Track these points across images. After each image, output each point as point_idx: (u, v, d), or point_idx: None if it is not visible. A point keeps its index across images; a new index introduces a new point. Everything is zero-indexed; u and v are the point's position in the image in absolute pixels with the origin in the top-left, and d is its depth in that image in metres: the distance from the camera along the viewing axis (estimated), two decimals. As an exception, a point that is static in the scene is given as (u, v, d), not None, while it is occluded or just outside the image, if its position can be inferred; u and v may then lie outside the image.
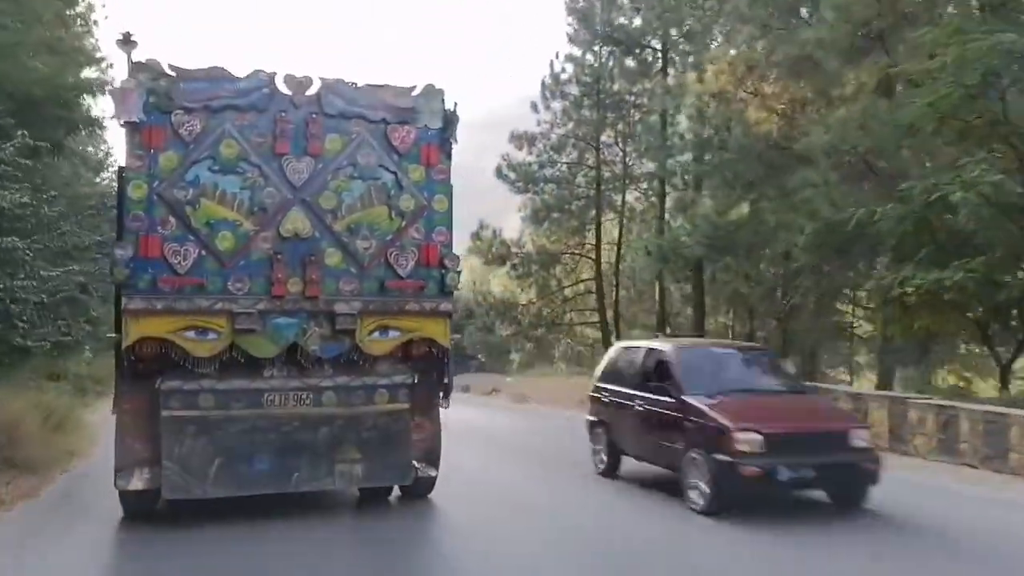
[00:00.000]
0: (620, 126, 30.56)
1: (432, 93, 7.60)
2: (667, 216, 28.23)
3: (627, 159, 31.01)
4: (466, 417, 16.88)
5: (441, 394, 7.80)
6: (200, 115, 6.87)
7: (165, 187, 6.76)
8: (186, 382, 6.81)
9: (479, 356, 33.14)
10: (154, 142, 6.76)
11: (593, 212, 31.11)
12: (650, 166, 29.27)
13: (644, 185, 31.17)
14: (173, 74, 6.88)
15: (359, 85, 7.41)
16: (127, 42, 6.79)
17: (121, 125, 6.76)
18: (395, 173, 7.39)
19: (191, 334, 6.74)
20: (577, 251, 32.69)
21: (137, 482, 6.79)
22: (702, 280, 26.20)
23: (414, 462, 7.51)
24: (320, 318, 7.09)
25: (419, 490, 7.77)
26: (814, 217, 16.10)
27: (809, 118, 18.86)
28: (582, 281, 33.05)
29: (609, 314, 30.95)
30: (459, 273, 7.69)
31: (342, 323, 7.10)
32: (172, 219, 6.76)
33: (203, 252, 6.81)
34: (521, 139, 31.09)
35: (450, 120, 7.57)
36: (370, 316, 7.23)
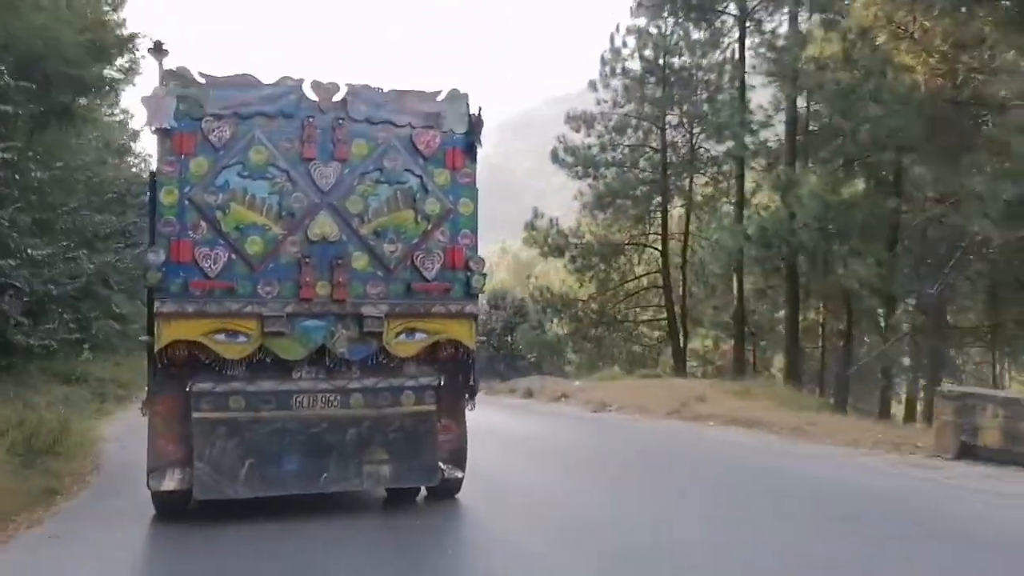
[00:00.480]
0: (686, 106, 28.03)
1: (457, 98, 7.67)
2: (751, 199, 25.65)
3: (694, 141, 28.54)
4: (542, 432, 14.78)
5: (467, 395, 7.88)
6: (229, 121, 6.99)
7: (196, 192, 6.88)
8: (217, 384, 6.94)
9: (529, 356, 31.40)
10: (185, 148, 6.89)
11: (658, 199, 28.85)
12: (720, 148, 26.88)
13: (714, 168, 28.81)
14: (203, 81, 7.00)
15: (385, 90, 7.51)
16: (159, 51, 6.91)
17: (153, 132, 6.90)
18: (421, 177, 7.47)
19: (222, 337, 6.87)
20: (640, 241, 30.18)
21: (169, 483, 6.92)
22: (796, 271, 23.43)
23: (440, 463, 7.60)
24: (348, 321, 7.19)
25: (446, 491, 7.84)
26: (1017, 179, 13.11)
27: (983, 60, 15.95)
28: (645, 275, 30.77)
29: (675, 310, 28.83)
30: (484, 276, 7.75)
31: (369, 326, 7.19)
32: (203, 224, 6.89)
33: (233, 256, 6.93)
34: (578, 120, 28.98)
35: (475, 124, 7.64)
36: (397, 318, 7.32)
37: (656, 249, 29.67)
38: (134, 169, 29.77)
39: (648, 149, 29.05)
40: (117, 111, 29.82)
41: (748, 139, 23.95)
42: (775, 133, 24.93)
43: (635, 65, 28.04)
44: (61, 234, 16.49)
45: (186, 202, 6.86)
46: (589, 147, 28.56)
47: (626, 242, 29.94)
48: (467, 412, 7.94)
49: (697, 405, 16.24)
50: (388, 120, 7.41)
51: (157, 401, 7.06)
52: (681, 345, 29.21)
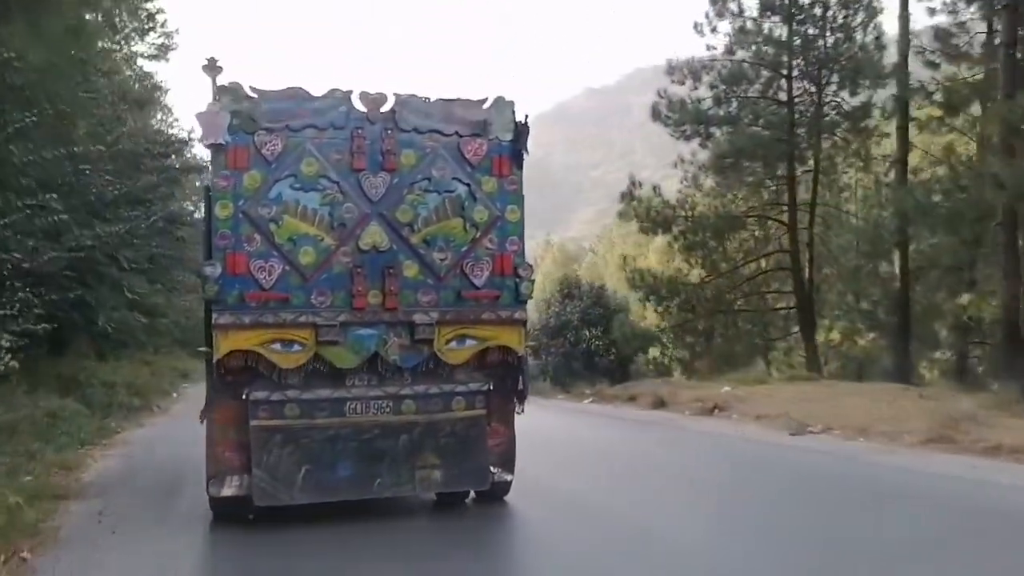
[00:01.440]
0: (817, 51, 23.20)
1: (503, 105, 7.73)
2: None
3: (823, 93, 23.50)
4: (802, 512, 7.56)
5: (516, 400, 7.95)
6: (281, 135, 7.12)
7: (250, 205, 7.02)
8: (272, 393, 7.08)
9: (608, 354, 27.60)
10: (238, 162, 7.03)
11: (787, 163, 23.93)
12: (859, 98, 22.66)
13: (849, 125, 23.67)
14: (255, 96, 7.13)
15: (432, 100, 7.59)
16: (212, 67, 7.05)
17: (207, 147, 7.06)
18: (468, 185, 7.54)
19: (277, 346, 7.01)
20: (764, 213, 25.74)
21: (228, 489, 7.08)
22: (1016, 241, 17.79)
23: (491, 467, 7.69)
24: (399, 328, 7.30)
25: (495, 494, 7.93)
26: None
27: None
28: (771, 253, 26.06)
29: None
30: (532, 282, 7.82)
31: (421, 333, 7.29)
32: (257, 236, 7.02)
33: (287, 267, 7.06)
34: (682, 70, 24.53)
35: (521, 132, 7.70)
36: (447, 326, 7.41)
37: (780, 223, 25.13)
38: (157, 126, 27.82)
39: (771, 102, 24.32)
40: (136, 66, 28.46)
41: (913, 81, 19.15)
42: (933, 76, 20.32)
43: (752, 0, 23.26)
44: (33, 190, 13.02)
45: (240, 215, 7.00)
46: (698, 101, 24.16)
47: (746, 213, 25.27)
48: (517, 416, 8.01)
49: (974, 428, 11.07)
50: (435, 129, 7.49)
51: (215, 409, 7.22)
52: (813, 338, 24.77)
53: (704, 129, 24.41)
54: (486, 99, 7.74)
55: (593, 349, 26.08)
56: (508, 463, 7.90)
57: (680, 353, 27.76)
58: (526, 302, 7.82)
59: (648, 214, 24.82)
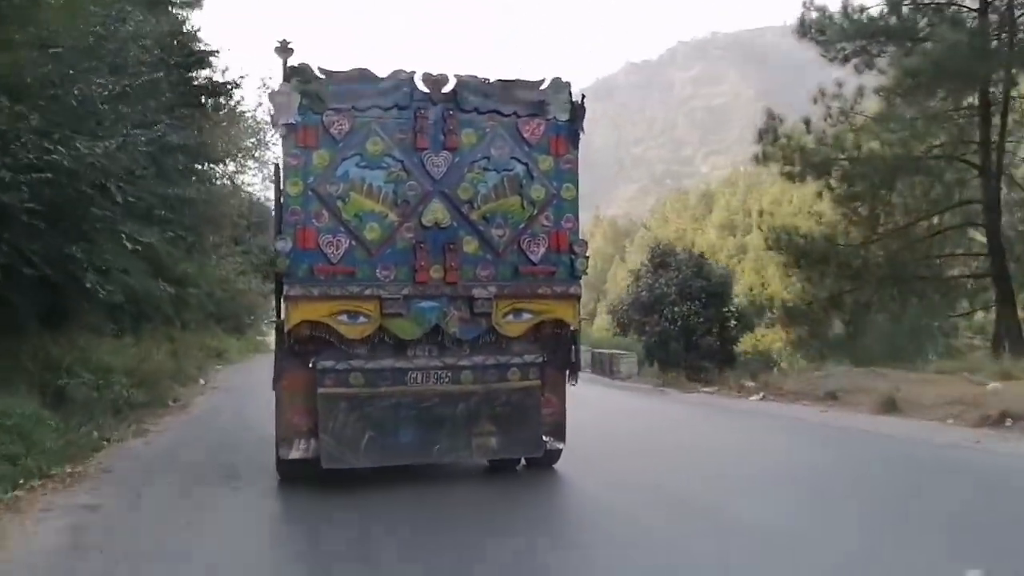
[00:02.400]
0: None
1: (560, 86, 7.96)
2: None
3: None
4: None
5: (568, 372, 8.23)
6: (348, 115, 7.42)
7: (318, 183, 7.35)
8: (338, 362, 7.44)
9: (710, 335, 24.29)
10: (308, 141, 7.35)
11: (976, 91, 18.42)
12: None
13: None
14: (323, 77, 7.44)
15: (491, 81, 7.84)
16: (284, 49, 7.35)
17: (278, 127, 7.39)
18: (526, 164, 7.80)
19: (344, 318, 7.36)
20: (950, 153, 19.57)
21: (296, 452, 7.47)
22: None
23: (544, 436, 7.99)
24: (459, 302, 7.61)
25: (547, 462, 8.24)
26: None
27: None
28: (952, 207, 20.07)
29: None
30: (587, 258, 8.09)
31: (479, 307, 7.59)
32: (325, 212, 7.35)
33: (353, 242, 7.39)
34: None
35: (577, 111, 7.93)
36: (505, 300, 7.71)
37: (972, 165, 19.18)
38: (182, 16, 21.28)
39: (959, 9, 18.25)
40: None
41: None
42: None
43: None
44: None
45: (310, 192, 7.33)
46: (862, 10, 18.45)
47: (926, 153, 19.28)
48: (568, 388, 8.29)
49: None
50: (495, 110, 7.75)
51: (284, 377, 7.61)
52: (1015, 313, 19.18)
53: (869, 47, 18.93)
54: (543, 80, 7.98)
55: (692, 327, 23.00)
56: (559, 432, 8.19)
57: (801, 332, 22.97)
58: (580, 277, 8.08)
59: (797, 156, 19.28)
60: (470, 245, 7.66)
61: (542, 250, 7.83)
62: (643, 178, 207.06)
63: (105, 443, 9.87)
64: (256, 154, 28.41)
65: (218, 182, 26.41)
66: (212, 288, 27.44)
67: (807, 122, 19.94)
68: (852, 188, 19.63)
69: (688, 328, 22.66)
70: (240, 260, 33.11)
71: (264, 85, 25.52)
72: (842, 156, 19.26)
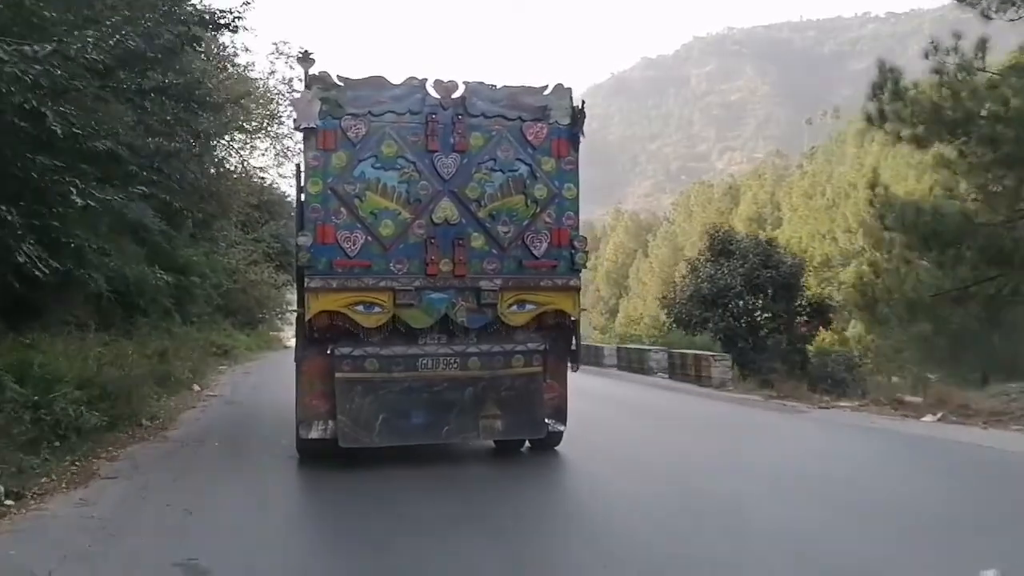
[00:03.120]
0: None
1: (562, 92, 8.52)
2: None
3: None
4: None
5: (570, 360, 8.79)
6: (364, 119, 7.99)
7: (337, 182, 7.93)
8: (355, 349, 8.03)
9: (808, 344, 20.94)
10: (327, 144, 7.93)
11: None
12: None
13: None
14: (341, 84, 8.02)
15: (498, 87, 8.40)
16: (306, 59, 7.97)
17: (300, 130, 7.99)
18: (530, 165, 8.35)
19: (360, 308, 7.94)
20: None
21: (315, 432, 8.07)
22: None
23: (546, 419, 8.56)
24: (467, 293, 8.17)
25: (550, 443, 8.80)
26: None
27: None
28: None
29: None
30: (587, 253, 8.66)
31: (486, 298, 8.16)
32: (343, 210, 7.93)
33: (369, 238, 7.97)
34: None
35: (578, 116, 8.47)
36: (509, 291, 8.27)
37: None
38: None
39: None
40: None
41: None
42: None
43: None
44: None
45: (329, 191, 7.92)
46: None
47: None
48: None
49: None
50: (501, 114, 8.31)
51: (304, 363, 8.21)
52: None
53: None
54: (547, 86, 8.54)
55: (757, 323, 20.73)
56: (561, 415, 8.76)
57: (922, 330, 18.51)
58: (580, 271, 8.64)
59: (922, 114, 15.81)
60: (477, 241, 8.23)
61: (544, 245, 8.38)
62: (658, 174, 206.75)
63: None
64: (268, 128, 24.63)
65: (223, 158, 22.98)
66: (219, 279, 25.13)
67: (940, 72, 15.86)
68: (999, 151, 15.40)
69: (753, 324, 20.74)
70: (251, 248, 31.02)
71: (277, 51, 23.09)
72: (982, 115, 15.46)
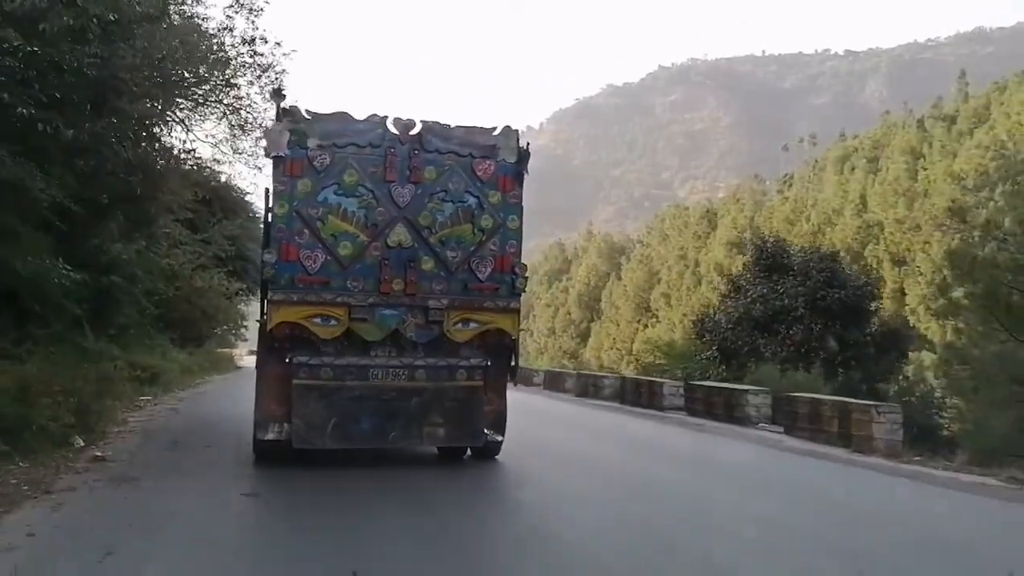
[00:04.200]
0: None
1: (509, 133, 9.42)
2: None
3: None
4: None
5: (509, 375, 9.64)
6: (329, 150, 8.80)
7: (301, 206, 8.72)
8: (311, 358, 8.78)
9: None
10: (294, 171, 8.72)
11: None
12: None
13: None
14: (310, 117, 8.84)
15: (452, 126, 9.28)
16: (278, 95, 8.82)
17: (270, 158, 8.78)
18: (478, 197, 9.21)
19: (318, 320, 8.70)
20: None
21: (270, 434, 8.79)
22: None
23: (485, 429, 9.38)
24: (416, 311, 8.98)
25: (489, 452, 9.61)
26: None
27: None
28: None
29: None
30: (526, 279, 9.51)
31: (433, 316, 8.97)
32: (306, 231, 8.71)
33: (328, 257, 8.75)
34: None
35: (523, 156, 9.37)
36: (455, 311, 9.08)
37: None
38: None
39: None
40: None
41: None
42: None
43: None
44: None
45: (294, 214, 8.70)
46: None
47: None
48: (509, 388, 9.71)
49: None
50: (453, 151, 9.18)
51: (265, 369, 8.96)
52: None
53: None
54: (496, 128, 9.44)
55: (833, 354, 17.17)
56: (500, 426, 9.59)
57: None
58: (520, 295, 9.50)
59: None
60: (427, 264, 9.05)
61: (488, 270, 9.23)
62: (621, 200, 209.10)
63: None
64: (222, 98, 17.56)
65: (157, 126, 16.77)
66: (156, 283, 20.87)
67: None
68: None
69: (827, 356, 16.93)
70: (199, 251, 26.06)
71: (237, 2, 16.15)
72: None
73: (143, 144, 15.77)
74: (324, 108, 8.93)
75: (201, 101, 17.31)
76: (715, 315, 22.90)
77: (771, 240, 22.27)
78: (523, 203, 9.49)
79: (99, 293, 15.19)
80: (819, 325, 18.52)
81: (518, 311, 9.52)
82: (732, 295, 21.60)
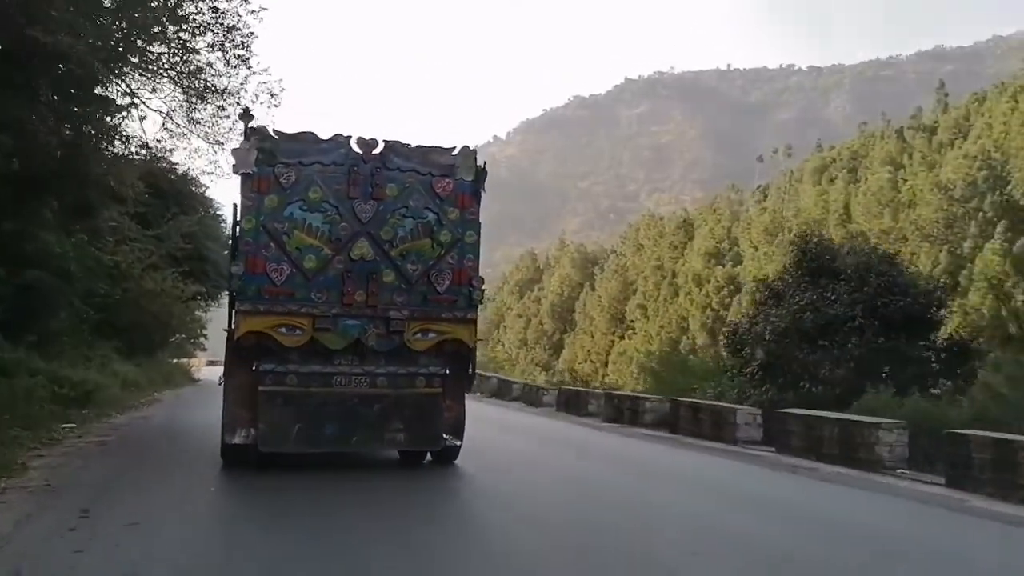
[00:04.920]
0: None
1: (468, 153, 9.93)
2: None
3: None
4: None
5: (467, 383, 10.12)
6: (295, 168, 9.25)
7: (268, 221, 9.15)
8: (277, 366, 9.19)
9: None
10: (261, 188, 9.16)
11: None
12: None
13: None
14: (276, 137, 9.29)
15: (412, 146, 9.77)
16: (246, 115, 9.24)
17: (238, 175, 9.21)
18: (437, 214, 9.70)
19: (283, 330, 9.13)
20: None
21: (238, 438, 9.20)
22: None
23: (444, 434, 9.85)
24: (378, 321, 9.44)
25: (447, 457, 10.07)
26: None
27: None
28: None
29: None
30: (483, 291, 10.02)
31: (394, 326, 9.43)
32: (272, 245, 9.14)
33: (294, 270, 9.19)
34: None
35: (480, 175, 9.88)
36: (415, 321, 9.56)
37: None
38: None
39: None
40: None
41: None
42: None
43: None
44: None
45: (261, 228, 9.13)
46: None
47: None
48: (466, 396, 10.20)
49: None
50: (414, 169, 9.67)
51: (232, 376, 9.36)
52: None
53: None
54: (455, 148, 9.95)
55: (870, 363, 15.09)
56: (458, 432, 10.06)
57: None
58: (477, 306, 10.01)
59: None
60: (389, 276, 9.52)
61: (447, 283, 9.72)
62: (588, 211, 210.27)
63: None
64: (177, 63, 14.80)
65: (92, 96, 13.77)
66: (97, 283, 18.29)
67: None
68: None
69: (862, 366, 14.87)
70: (150, 248, 23.30)
71: None
72: None
73: (76, 110, 13.40)
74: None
75: (152, 67, 14.73)
76: (754, 325, 19.78)
77: (815, 239, 19.19)
78: (480, 219, 9.99)
79: (20, 291, 12.74)
80: (881, 337, 15.95)
81: (475, 322, 10.01)
82: (769, 302, 18.75)
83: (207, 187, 26.76)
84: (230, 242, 9.87)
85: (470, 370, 10.09)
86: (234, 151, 9.22)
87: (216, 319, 30.84)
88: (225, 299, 23.57)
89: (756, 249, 50.97)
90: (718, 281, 50.80)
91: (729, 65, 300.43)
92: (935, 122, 53.83)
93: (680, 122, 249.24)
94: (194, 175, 24.97)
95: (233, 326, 9.28)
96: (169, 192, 24.26)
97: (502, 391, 28.92)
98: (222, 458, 9.53)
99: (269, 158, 9.19)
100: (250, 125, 9.36)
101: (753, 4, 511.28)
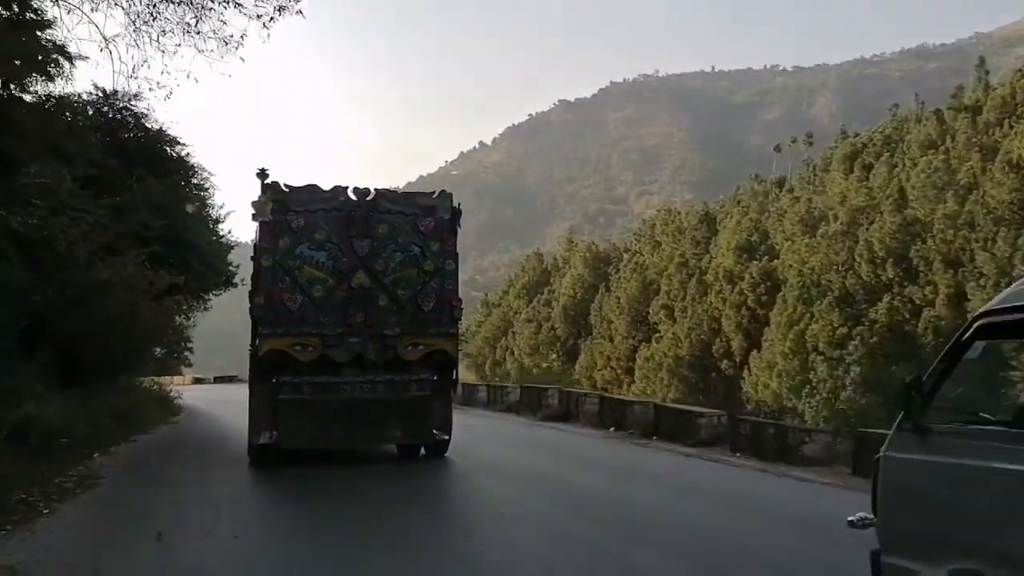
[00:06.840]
0: None
1: (445, 196, 11.98)
2: None
3: None
4: None
5: (451, 386, 12.13)
6: (303, 214, 11.23)
7: (282, 259, 11.12)
8: (294, 378, 11.12)
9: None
10: (276, 232, 11.14)
11: None
12: None
13: None
14: (287, 190, 11.28)
15: (399, 192, 11.81)
16: (262, 175, 11.16)
17: (257, 223, 11.18)
18: (421, 247, 11.68)
19: (298, 348, 11.09)
20: None
21: (262, 439, 11.15)
22: None
23: (433, 430, 11.81)
24: (375, 338, 11.38)
25: (438, 450, 12.02)
26: None
27: None
28: None
29: None
30: (461, 310, 12.04)
31: (389, 341, 11.39)
32: (287, 278, 11.11)
33: (305, 299, 11.15)
34: None
35: (456, 213, 11.87)
36: (406, 336, 11.51)
37: None
38: None
39: None
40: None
41: None
42: None
43: None
44: None
45: (277, 266, 11.10)
46: None
47: None
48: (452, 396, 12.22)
49: None
50: (401, 211, 11.68)
51: (256, 389, 11.33)
52: None
53: None
54: (435, 192, 12.01)
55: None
56: (446, 428, 12.03)
57: None
58: (458, 322, 12.05)
59: None
60: (383, 301, 11.49)
61: (432, 304, 11.70)
62: (576, 215, 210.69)
63: None
64: None
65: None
66: (17, 273, 12.81)
67: None
68: None
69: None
70: (106, 223, 14.81)
71: None
72: None
73: None
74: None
75: None
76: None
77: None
78: (457, 249, 12.01)
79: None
80: None
81: (456, 335, 12.05)
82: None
83: (189, 146, 20.34)
84: (251, 279, 11.81)
85: (454, 376, 12.09)
86: (253, 203, 11.18)
87: (204, 326, 29.17)
88: (216, 300, 24.51)
89: (792, 241, 46.15)
90: (753, 277, 45.25)
91: (714, 67, 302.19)
92: (976, 101, 48.40)
93: (667, 124, 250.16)
94: (169, 129, 19.14)
95: (257, 345, 11.23)
96: (135, 150, 17.96)
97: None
98: (248, 456, 11.46)
99: (282, 208, 11.17)
100: (265, 181, 11.29)
101: (736, 5, 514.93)
